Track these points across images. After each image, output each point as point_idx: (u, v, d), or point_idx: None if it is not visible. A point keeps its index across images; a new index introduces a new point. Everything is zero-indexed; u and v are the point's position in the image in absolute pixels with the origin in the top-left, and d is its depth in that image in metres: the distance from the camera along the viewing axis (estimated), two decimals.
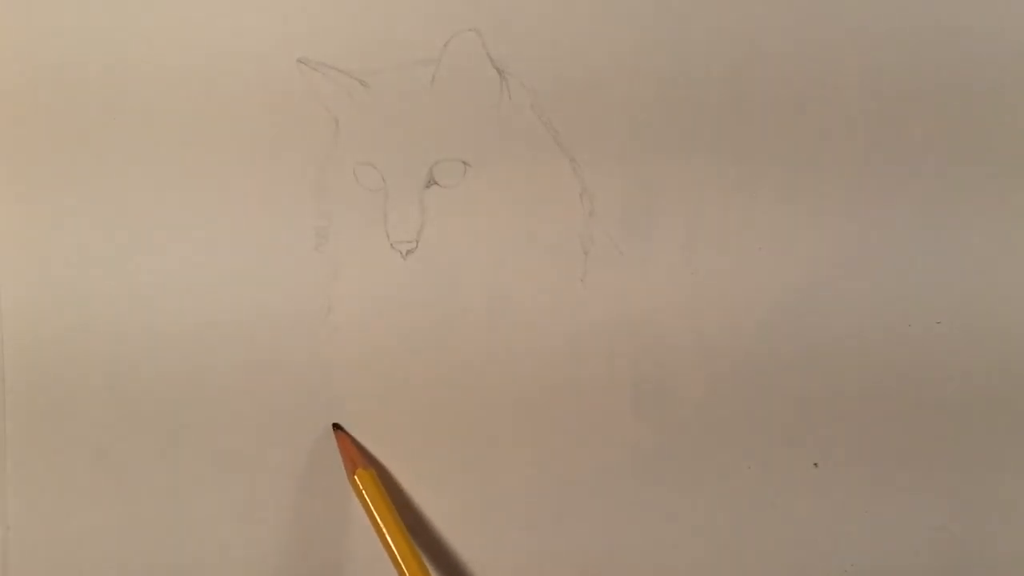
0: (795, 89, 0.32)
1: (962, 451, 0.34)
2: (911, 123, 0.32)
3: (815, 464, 0.34)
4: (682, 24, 0.32)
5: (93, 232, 0.33)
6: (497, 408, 0.34)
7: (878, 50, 0.32)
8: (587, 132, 0.32)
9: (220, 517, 0.34)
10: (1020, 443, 0.34)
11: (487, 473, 0.34)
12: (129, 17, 0.32)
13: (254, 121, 0.32)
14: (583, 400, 0.34)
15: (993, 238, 0.33)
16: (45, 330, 0.33)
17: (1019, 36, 0.32)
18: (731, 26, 0.32)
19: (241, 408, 0.34)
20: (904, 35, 0.32)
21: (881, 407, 0.34)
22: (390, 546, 0.31)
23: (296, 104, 0.32)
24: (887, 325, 0.33)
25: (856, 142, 0.32)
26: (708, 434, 0.34)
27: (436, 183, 0.33)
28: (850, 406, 0.34)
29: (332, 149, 0.33)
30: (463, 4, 0.32)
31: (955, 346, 0.33)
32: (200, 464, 0.34)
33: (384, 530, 0.31)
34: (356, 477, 0.32)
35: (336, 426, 0.34)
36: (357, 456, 0.33)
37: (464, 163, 0.33)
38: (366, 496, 0.32)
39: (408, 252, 0.33)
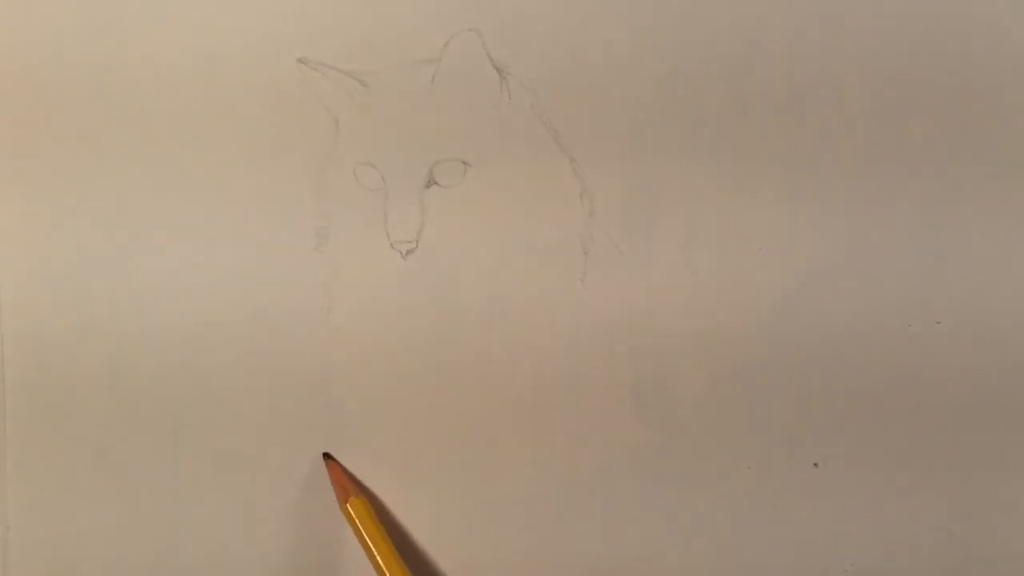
0: (795, 89, 0.32)
1: (962, 451, 0.34)
2: (911, 123, 0.32)
3: (815, 464, 0.34)
4: (682, 24, 0.32)
5: (93, 232, 0.33)
6: (497, 408, 0.34)
7: (878, 50, 0.32)
8: (587, 132, 0.32)
9: (220, 517, 0.34)
10: (1020, 443, 0.34)
11: (487, 472, 0.34)
12: (129, 17, 0.32)
13: (254, 121, 0.32)
14: (583, 400, 0.34)
15: (993, 238, 0.33)
16: (45, 330, 0.33)
17: (1019, 36, 0.32)
18: (731, 26, 0.32)
19: (241, 408, 0.34)
20: (904, 35, 0.32)
21: (881, 407, 0.34)
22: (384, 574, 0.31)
23: (296, 104, 0.32)
24: (887, 325, 0.33)
25: (856, 142, 0.32)
26: (708, 434, 0.34)
27: (436, 183, 0.33)
28: (850, 406, 0.34)
29: (332, 149, 0.33)
30: (463, 4, 0.32)
31: (955, 346, 0.33)
32: (200, 464, 0.34)
33: (379, 559, 0.31)
34: (348, 506, 0.32)
35: (326, 455, 0.34)
36: (348, 484, 0.33)
37: (464, 163, 0.33)
38: (359, 524, 0.32)
39: (408, 252, 0.33)
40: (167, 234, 0.33)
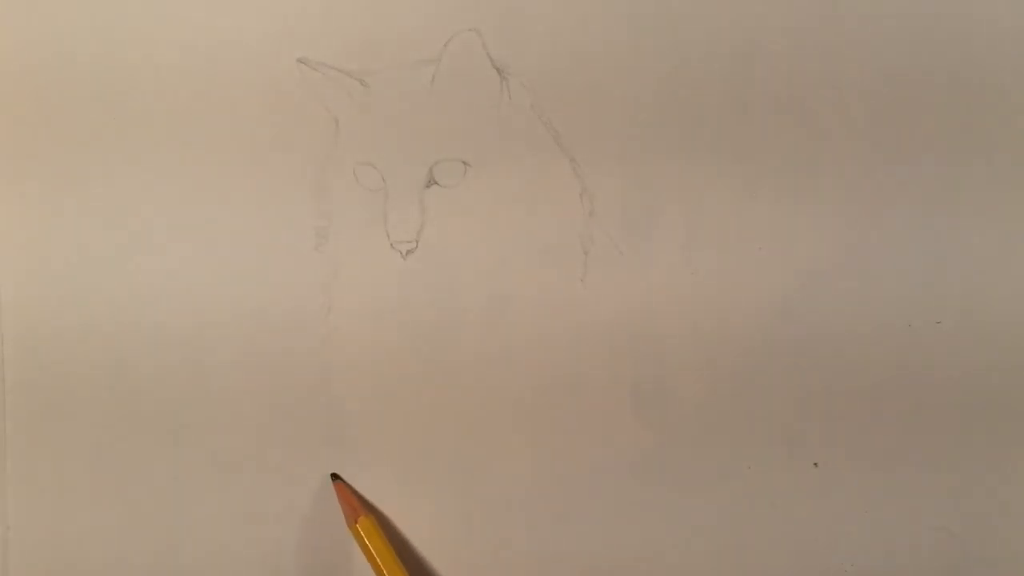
0: (795, 89, 0.32)
1: (962, 451, 0.34)
2: (911, 123, 0.32)
3: (815, 464, 0.34)
4: (682, 24, 0.32)
5: (93, 232, 0.33)
6: (497, 408, 0.34)
7: (878, 50, 0.32)
8: (587, 132, 0.32)
9: (220, 517, 0.34)
10: (1020, 443, 0.34)
11: (487, 473, 0.34)
12: (129, 17, 0.32)
13: (254, 121, 0.32)
14: (583, 400, 0.34)
15: (993, 238, 0.33)
16: (45, 330, 0.33)
17: (1019, 36, 0.32)
18: (731, 26, 0.32)
19: (241, 408, 0.34)
20: (904, 35, 0.32)
21: (881, 407, 0.34)
22: None
23: (296, 104, 0.32)
24: (887, 325, 0.33)
25: (856, 142, 0.32)
26: (708, 434, 0.34)
27: (436, 183, 0.33)
28: (850, 406, 0.34)
29: (332, 149, 0.33)
30: (463, 4, 0.32)
31: (955, 346, 0.33)
32: (200, 464, 0.34)
33: None
34: (358, 525, 0.32)
35: (334, 476, 0.34)
36: (356, 504, 0.33)
37: (464, 163, 0.33)
38: (368, 544, 0.32)
39: (408, 252, 0.33)
40: (167, 234, 0.33)
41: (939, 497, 0.34)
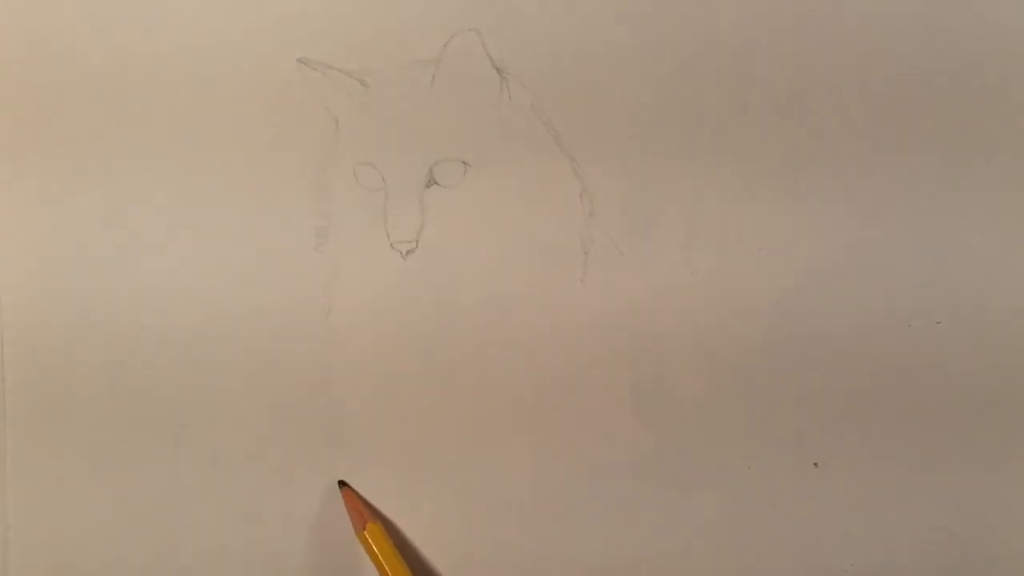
0: (795, 89, 0.32)
1: (962, 451, 0.34)
2: (911, 123, 0.32)
3: (815, 464, 0.34)
4: (682, 24, 0.32)
5: (93, 232, 0.33)
6: (497, 408, 0.34)
7: (878, 50, 0.32)
8: (587, 132, 0.32)
9: (220, 517, 0.34)
10: (1020, 443, 0.34)
11: (486, 473, 0.34)
12: (129, 17, 0.32)
13: (254, 121, 0.32)
14: (583, 400, 0.34)
15: (993, 238, 0.33)
16: (45, 330, 0.33)
17: (1019, 36, 0.32)
18: (731, 26, 0.32)
19: (241, 408, 0.34)
20: (904, 35, 0.32)
21: (881, 407, 0.34)
22: None
23: (296, 104, 0.32)
24: (887, 324, 0.33)
25: (856, 142, 0.32)
26: (708, 434, 0.34)
27: (436, 183, 0.33)
28: (850, 406, 0.34)
29: (332, 149, 0.33)
30: (463, 4, 0.32)
31: (955, 345, 0.33)
32: (200, 464, 0.34)
33: None
34: (366, 532, 0.32)
35: (342, 483, 0.34)
36: (364, 511, 0.33)
37: (464, 163, 0.33)
38: (377, 551, 0.32)
39: (408, 252, 0.33)
40: (167, 234, 0.33)
41: (939, 497, 0.34)
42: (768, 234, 0.33)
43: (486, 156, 0.33)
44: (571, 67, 0.32)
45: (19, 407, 0.34)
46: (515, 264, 0.33)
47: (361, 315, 0.33)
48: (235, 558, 0.35)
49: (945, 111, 0.32)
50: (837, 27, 0.32)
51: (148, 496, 0.34)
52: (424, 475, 0.34)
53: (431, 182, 0.33)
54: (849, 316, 0.33)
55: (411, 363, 0.34)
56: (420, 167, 0.33)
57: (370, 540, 0.32)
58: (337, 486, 0.34)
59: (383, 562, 0.32)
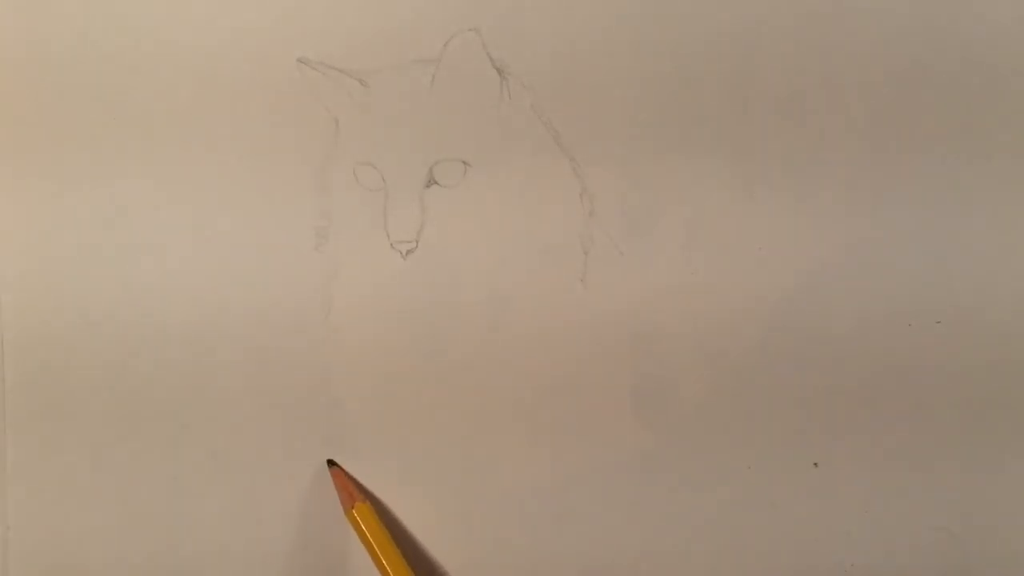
0: (795, 89, 0.32)
1: (962, 451, 0.34)
2: (911, 123, 0.32)
3: (815, 464, 0.34)
4: (682, 24, 0.32)
5: (93, 232, 0.33)
6: (497, 408, 0.34)
7: (878, 50, 0.32)
8: (587, 132, 0.32)
9: (220, 517, 0.34)
10: (1020, 443, 0.34)
11: (487, 472, 0.34)
12: (129, 17, 0.32)
13: (254, 121, 0.32)
14: (583, 400, 0.34)
15: (993, 238, 0.33)
16: (45, 330, 0.33)
17: (1019, 36, 0.32)
18: (731, 26, 0.32)
19: (241, 408, 0.34)
20: (904, 35, 0.32)
21: (881, 407, 0.34)
22: None
23: (296, 104, 0.32)
24: (887, 324, 0.33)
25: (856, 142, 0.32)
26: (708, 434, 0.34)
27: (436, 183, 0.33)
28: (850, 406, 0.34)
29: (332, 149, 0.33)
30: (463, 4, 0.32)
31: (955, 345, 0.33)
32: (200, 464, 0.34)
33: (386, 563, 0.31)
34: (354, 511, 0.32)
35: (331, 462, 0.34)
36: (353, 490, 0.33)
37: (464, 163, 0.33)
38: (365, 530, 0.32)
39: (408, 252, 0.33)
40: (167, 234, 0.33)
41: (939, 497, 0.34)
42: (768, 234, 0.33)
43: (486, 156, 0.33)
44: (571, 67, 0.32)
45: (19, 407, 0.34)
46: (515, 264, 0.33)
47: (361, 315, 0.33)
48: (235, 558, 0.35)
49: (945, 111, 0.32)
50: (837, 27, 0.32)
51: (148, 496, 0.34)
52: (424, 475, 0.34)
53: (431, 182, 0.33)
54: (849, 316, 0.33)
55: (411, 363, 0.34)
56: (420, 167, 0.33)
57: (359, 519, 0.32)
58: (326, 465, 0.34)
59: (371, 541, 0.32)
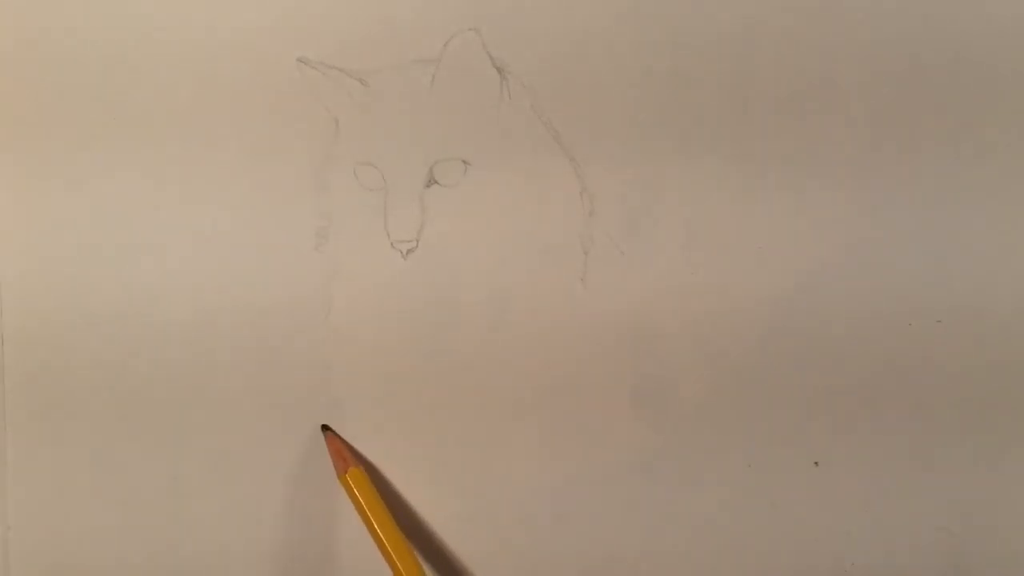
0: (795, 89, 0.32)
1: (962, 451, 0.34)
2: (911, 122, 0.32)
3: (815, 464, 0.34)
4: (682, 23, 0.32)
5: (93, 232, 0.33)
6: (497, 408, 0.34)
7: (878, 49, 0.32)
8: (587, 132, 0.32)
9: (220, 517, 0.34)
10: (1020, 443, 0.34)
11: (487, 473, 0.34)
12: (129, 17, 0.32)
13: (254, 121, 0.32)
14: (583, 400, 0.34)
15: (993, 238, 0.33)
16: (45, 329, 0.33)
17: (1019, 36, 0.32)
18: (731, 26, 0.32)
19: (241, 408, 0.34)
20: (904, 35, 0.32)
21: (881, 406, 0.34)
22: (384, 544, 0.31)
23: (296, 104, 0.32)
24: (887, 324, 0.33)
25: (856, 142, 0.32)
26: (708, 434, 0.34)
27: (436, 183, 0.33)
28: (850, 405, 0.34)
29: (332, 149, 0.33)
30: (463, 4, 0.32)
31: (955, 345, 0.33)
32: (200, 464, 0.34)
33: (377, 528, 0.31)
34: (348, 476, 0.32)
35: (325, 427, 0.34)
36: (348, 455, 0.33)
37: (464, 163, 0.33)
38: (358, 494, 0.32)
39: (408, 252, 0.33)
40: (167, 233, 0.33)
41: (939, 497, 0.34)
42: (768, 234, 0.33)
43: (486, 156, 0.33)
44: (571, 67, 0.32)
45: (19, 406, 0.34)
46: (515, 264, 0.33)
47: (361, 315, 0.33)
48: (235, 558, 0.35)
49: (945, 111, 0.32)
50: (837, 27, 0.32)
51: (148, 496, 0.34)
52: (424, 474, 0.34)
53: (431, 181, 0.33)
54: (849, 316, 0.33)
55: (411, 362, 0.34)
56: (420, 167, 0.33)
57: (351, 484, 0.32)
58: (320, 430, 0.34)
59: (364, 506, 0.32)
